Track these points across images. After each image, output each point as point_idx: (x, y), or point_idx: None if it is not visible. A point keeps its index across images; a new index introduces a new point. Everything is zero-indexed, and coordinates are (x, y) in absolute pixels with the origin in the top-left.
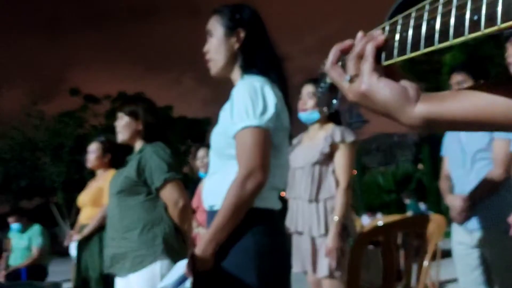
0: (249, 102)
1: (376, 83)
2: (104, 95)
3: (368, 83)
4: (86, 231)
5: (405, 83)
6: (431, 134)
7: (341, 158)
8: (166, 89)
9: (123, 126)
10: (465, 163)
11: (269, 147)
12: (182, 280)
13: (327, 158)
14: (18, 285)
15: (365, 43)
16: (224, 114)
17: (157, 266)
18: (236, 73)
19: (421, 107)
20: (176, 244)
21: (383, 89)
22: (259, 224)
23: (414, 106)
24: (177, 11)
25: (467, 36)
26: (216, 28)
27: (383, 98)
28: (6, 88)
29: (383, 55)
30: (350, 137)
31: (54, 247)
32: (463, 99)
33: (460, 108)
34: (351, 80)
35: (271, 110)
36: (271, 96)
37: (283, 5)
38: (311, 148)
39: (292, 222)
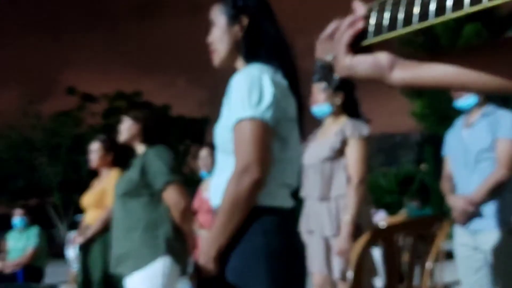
0: (245, 92)
1: (351, 63)
2: (101, 94)
3: (345, 67)
4: (89, 233)
5: (378, 54)
6: (433, 135)
7: (353, 153)
8: (161, 90)
9: (125, 128)
10: (468, 163)
11: (267, 139)
12: None
13: (338, 153)
14: (14, 287)
15: (345, 28)
16: (223, 108)
17: (159, 264)
18: (240, 63)
19: (397, 74)
20: (177, 244)
21: (358, 67)
22: (269, 223)
23: (391, 73)
24: (175, 12)
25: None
26: (218, 17)
27: (363, 73)
28: (3, 88)
29: (370, 34)
30: (362, 131)
31: (51, 249)
32: (435, 65)
33: (430, 75)
34: (334, 59)
35: (267, 99)
36: (268, 85)
37: (276, 10)
38: (323, 144)
39: (305, 221)
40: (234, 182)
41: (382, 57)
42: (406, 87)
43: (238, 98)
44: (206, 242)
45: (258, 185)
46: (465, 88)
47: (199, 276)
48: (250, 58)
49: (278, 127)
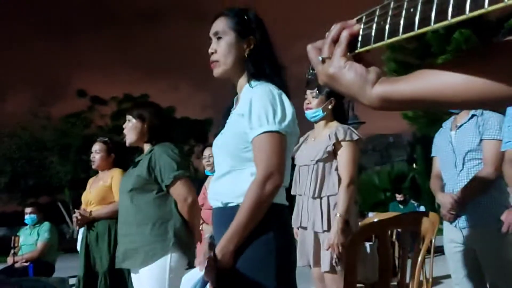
0: (269, 108)
1: (343, 67)
2: (110, 96)
3: (336, 66)
4: (95, 214)
5: (370, 68)
6: (424, 135)
7: (344, 156)
8: (166, 94)
9: (130, 128)
10: (456, 163)
11: (285, 151)
12: (203, 285)
13: (331, 155)
14: (25, 281)
15: (340, 29)
16: (237, 118)
17: (168, 259)
18: (242, 78)
19: (377, 88)
20: (186, 237)
21: (348, 72)
22: (277, 219)
23: (372, 87)
24: (181, 18)
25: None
26: (226, 31)
27: (348, 80)
28: (14, 90)
29: (359, 43)
30: (354, 135)
31: (61, 244)
32: (416, 80)
33: (409, 89)
34: (323, 61)
35: (289, 117)
36: (288, 104)
37: (274, 15)
38: (316, 146)
39: (298, 217)
40: (259, 187)
41: (372, 72)
42: (383, 106)
43: (262, 113)
44: (225, 236)
45: (278, 190)
46: (445, 101)
47: (216, 268)
48: (257, 76)
49: (288, 139)
